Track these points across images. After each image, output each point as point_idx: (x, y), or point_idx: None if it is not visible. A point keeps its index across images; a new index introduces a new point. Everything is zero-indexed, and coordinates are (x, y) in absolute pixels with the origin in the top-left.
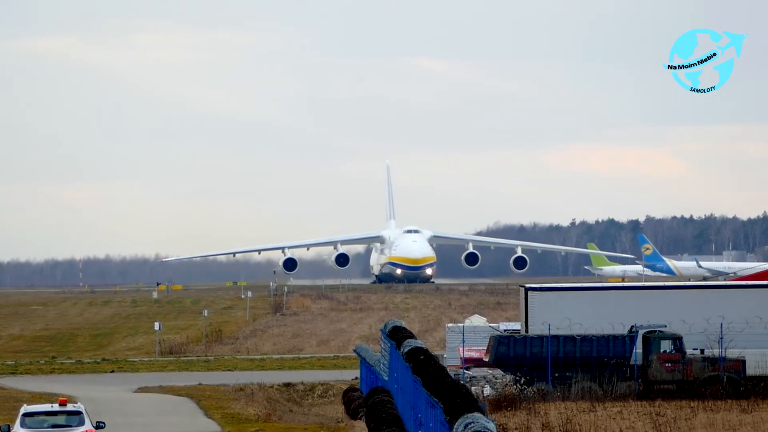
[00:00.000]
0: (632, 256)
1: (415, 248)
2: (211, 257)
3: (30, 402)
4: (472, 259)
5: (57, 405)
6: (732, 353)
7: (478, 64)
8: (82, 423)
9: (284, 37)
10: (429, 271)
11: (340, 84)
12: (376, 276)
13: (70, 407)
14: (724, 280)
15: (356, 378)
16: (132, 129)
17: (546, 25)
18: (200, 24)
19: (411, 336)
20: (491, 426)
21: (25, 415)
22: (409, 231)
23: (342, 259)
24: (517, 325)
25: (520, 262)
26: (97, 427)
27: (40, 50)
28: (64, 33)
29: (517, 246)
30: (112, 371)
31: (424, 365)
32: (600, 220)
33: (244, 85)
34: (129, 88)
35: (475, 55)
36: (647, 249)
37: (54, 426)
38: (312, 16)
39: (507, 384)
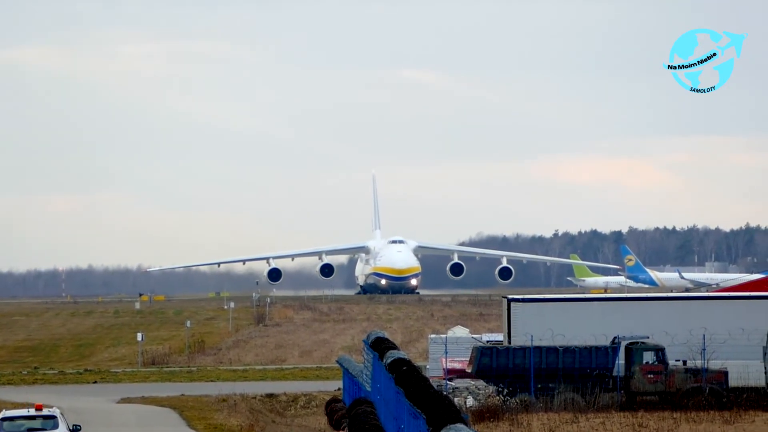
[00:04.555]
0: (618, 267)
1: (400, 259)
2: (194, 267)
3: None
4: (457, 269)
5: (33, 410)
6: (714, 364)
7: (463, 75)
8: (56, 426)
9: (269, 47)
10: (414, 282)
11: (326, 94)
12: (361, 286)
13: (45, 412)
14: (707, 291)
15: (339, 389)
16: (114, 139)
17: (532, 37)
18: (184, 35)
19: (394, 347)
20: None
21: (4, 419)
22: (394, 241)
23: (327, 270)
24: (499, 336)
25: (505, 273)
26: (72, 430)
27: (21, 60)
28: (45, 42)
29: (502, 256)
30: (95, 382)
31: (407, 376)
32: (583, 231)
33: (228, 95)
34: (111, 99)
35: (460, 67)
36: (630, 260)
37: (30, 429)
38: (298, 27)
39: (490, 395)
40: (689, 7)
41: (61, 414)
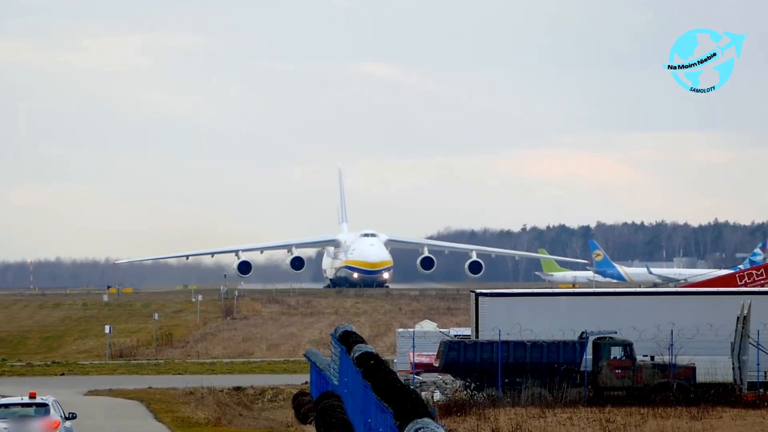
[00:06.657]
0: (586, 262)
1: (372, 252)
2: (163, 260)
3: None
4: (427, 263)
5: (27, 397)
6: (682, 360)
7: (430, 69)
8: (47, 414)
9: (234, 41)
10: (386, 275)
11: (292, 88)
12: (330, 280)
13: (38, 399)
14: (675, 286)
15: (306, 382)
16: (82, 132)
17: (499, 32)
18: (149, 28)
19: (361, 341)
20: (441, 431)
21: None
22: (366, 235)
23: (297, 263)
24: (467, 331)
25: (475, 267)
26: (68, 418)
27: None
28: (11, 36)
29: (471, 250)
30: (63, 374)
31: (374, 370)
32: (551, 226)
33: (194, 89)
34: (78, 92)
35: (427, 62)
36: (598, 255)
37: (21, 416)
38: (261, 21)
39: (457, 389)
40: (678, 7)
41: (55, 402)
